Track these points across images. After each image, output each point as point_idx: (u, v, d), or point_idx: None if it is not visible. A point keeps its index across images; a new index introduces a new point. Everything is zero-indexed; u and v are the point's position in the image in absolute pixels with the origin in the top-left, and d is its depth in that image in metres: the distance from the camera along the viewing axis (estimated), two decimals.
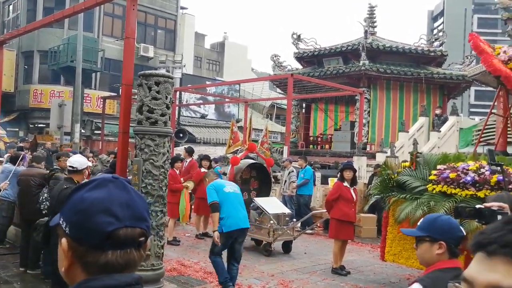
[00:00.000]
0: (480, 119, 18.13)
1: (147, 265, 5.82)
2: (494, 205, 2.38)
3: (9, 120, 24.30)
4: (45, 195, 6.77)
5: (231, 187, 6.43)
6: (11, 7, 27.67)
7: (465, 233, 2.31)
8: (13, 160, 8.08)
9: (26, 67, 25.86)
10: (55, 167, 7.06)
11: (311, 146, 20.98)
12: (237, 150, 9.57)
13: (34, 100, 24.29)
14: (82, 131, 21.67)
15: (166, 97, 6.02)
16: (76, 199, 1.05)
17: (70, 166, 4.93)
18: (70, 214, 1.04)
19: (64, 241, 1.04)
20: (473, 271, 0.82)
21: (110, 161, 8.73)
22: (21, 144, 11.80)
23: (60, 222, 1.06)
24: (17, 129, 24.64)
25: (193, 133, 28.18)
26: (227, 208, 6.11)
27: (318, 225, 11.30)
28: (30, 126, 25.56)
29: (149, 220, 1.10)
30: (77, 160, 5.01)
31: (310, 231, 11.28)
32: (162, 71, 6.18)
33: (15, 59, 25.65)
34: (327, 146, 20.00)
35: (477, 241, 0.83)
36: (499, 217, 2.26)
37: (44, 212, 6.70)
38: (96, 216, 1.00)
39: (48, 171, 7.15)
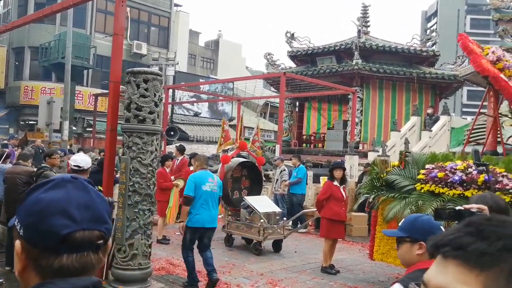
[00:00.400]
0: (472, 119, 18.16)
1: (134, 264, 5.78)
2: (474, 206, 2.37)
3: None
4: None
5: (210, 185, 6.48)
6: (1, 2, 27.52)
7: None
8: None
9: (17, 63, 25.67)
10: (43, 165, 6.97)
11: (304, 144, 21.00)
12: (228, 149, 9.52)
13: (24, 97, 24.09)
14: (74, 128, 21.56)
15: (155, 95, 5.98)
16: (32, 200, 1.01)
17: (76, 166, 4.81)
18: (25, 215, 1.00)
19: (17, 243, 1.00)
20: (430, 273, 0.80)
21: (98, 158, 8.67)
22: (5, 141, 11.69)
23: (15, 223, 1.02)
24: (7, 126, 24.46)
25: (186, 131, 28.11)
26: (198, 205, 6.34)
27: (310, 223, 11.30)
28: (21, 123, 25.36)
29: (109, 222, 1.05)
30: (84, 159, 4.95)
31: (303, 230, 11.28)
32: (151, 69, 6.11)
33: (6, 55, 25.43)
34: (320, 145, 20.01)
35: (434, 243, 0.82)
36: None
37: None
38: (51, 218, 0.96)
39: (35, 169, 7.08)
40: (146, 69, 6.06)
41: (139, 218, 5.83)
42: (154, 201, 6.12)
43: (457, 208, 2.30)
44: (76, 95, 22.40)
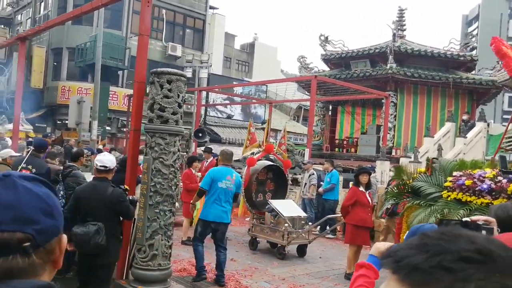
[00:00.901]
0: None
1: (154, 265, 5.80)
2: (481, 218, 2.23)
3: (38, 116, 24.79)
4: (61, 192, 6.82)
5: (227, 183, 6.50)
6: (42, 4, 28.28)
7: None
8: None
9: (55, 63, 26.34)
10: (70, 164, 7.07)
11: (336, 149, 20.75)
12: (254, 152, 9.46)
13: (61, 97, 24.68)
14: (108, 128, 21.97)
15: (178, 96, 5.99)
16: None
17: (102, 166, 4.76)
18: None
19: None
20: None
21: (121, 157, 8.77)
22: (30, 139, 11.95)
23: None
24: (45, 125, 25.11)
25: (218, 133, 28.26)
26: (211, 200, 6.48)
27: (338, 229, 11.12)
28: (57, 122, 26.01)
29: (43, 223, 0.96)
30: (110, 159, 4.92)
31: (331, 235, 11.11)
32: (175, 70, 6.12)
33: (45, 56, 26.15)
34: (352, 150, 19.74)
35: (386, 253, 0.74)
36: (483, 232, 2.12)
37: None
38: None
39: (61, 168, 7.18)
40: (170, 69, 6.07)
41: (160, 219, 5.85)
42: (175, 202, 6.14)
43: (464, 219, 2.18)
44: (111, 95, 22.85)
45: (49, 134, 14.24)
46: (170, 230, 5.97)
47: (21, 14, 31.73)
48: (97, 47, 15.38)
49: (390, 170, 13.20)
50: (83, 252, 4.66)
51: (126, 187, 5.28)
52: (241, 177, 8.00)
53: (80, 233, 4.47)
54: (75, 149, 7.54)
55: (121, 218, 4.97)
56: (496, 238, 1.91)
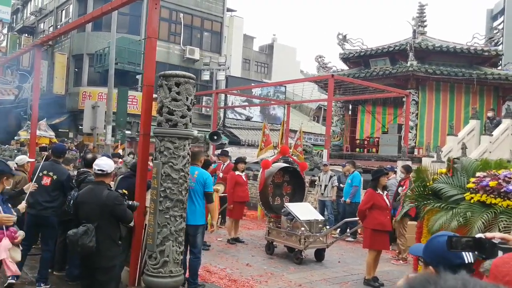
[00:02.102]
0: None
1: (165, 271, 5.64)
2: (497, 236, 1.94)
3: (60, 121, 25.05)
4: None
5: (189, 182, 6.12)
6: (63, 12, 28.62)
7: (469, 260, 1.89)
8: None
9: (76, 70, 26.63)
10: (84, 169, 7.00)
11: (357, 149, 20.41)
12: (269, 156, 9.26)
13: (83, 102, 24.83)
14: (128, 132, 22.02)
15: (187, 98, 5.84)
16: None
17: (100, 170, 4.73)
18: None
19: None
20: None
21: (132, 162, 8.66)
22: (44, 144, 11.96)
23: None
24: (67, 131, 25.37)
25: (238, 135, 28.17)
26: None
27: (359, 232, 10.81)
28: (80, 127, 26.23)
29: None
30: (107, 163, 4.86)
31: (351, 239, 10.83)
32: (183, 72, 5.96)
33: (66, 62, 26.43)
34: (374, 150, 19.37)
35: None
36: (500, 253, 1.84)
37: None
38: None
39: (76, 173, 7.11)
40: (178, 72, 5.92)
41: (170, 225, 5.69)
42: (186, 207, 5.96)
43: (477, 236, 1.91)
44: (130, 100, 22.90)
45: (65, 140, 14.26)
46: (181, 236, 5.81)
47: (44, 22, 32.21)
48: (110, 52, 15.37)
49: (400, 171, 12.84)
50: (76, 253, 4.81)
51: (124, 191, 5.20)
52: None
53: (70, 234, 4.49)
54: (90, 155, 7.42)
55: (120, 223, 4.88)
56: None
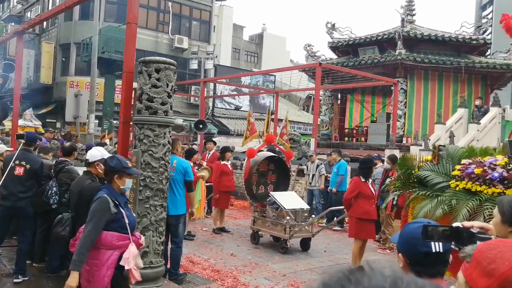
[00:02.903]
0: None
1: (145, 262, 5.50)
2: (475, 225, 1.82)
3: (47, 111, 24.73)
4: (54, 188, 6.57)
5: (170, 170, 6.01)
6: (50, 1, 28.17)
7: (437, 249, 1.77)
8: None
9: (63, 59, 26.29)
10: (62, 159, 6.83)
11: (346, 138, 20.35)
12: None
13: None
14: (115, 122, 21.76)
15: (167, 85, 5.69)
16: None
17: (86, 159, 4.75)
18: None
19: None
20: None
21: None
22: (21, 133, 11.68)
23: None
24: (55, 121, 25.07)
25: (227, 125, 28.00)
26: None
27: (346, 220, 10.75)
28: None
29: None
30: (91, 153, 4.79)
31: (338, 228, 10.78)
32: (163, 58, 5.81)
33: (53, 51, 26.07)
34: (362, 139, 19.33)
35: None
36: (479, 243, 1.73)
37: (54, 206, 6.52)
38: None
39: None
40: (158, 58, 5.77)
41: (150, 214, 5.58)
42: (167, 196, 5.84)
43: (454, 225, 1.79)
44: (118, 89, 22.61)
45: (49, 129, 14.05)
46: (161, 226, 5.69)
47: (31, 11, 31.72)
48: (93, 40, 15.12)
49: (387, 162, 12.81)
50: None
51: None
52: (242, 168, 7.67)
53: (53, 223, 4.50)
54: (67, 144, 7.25)
55: None
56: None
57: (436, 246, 1.76)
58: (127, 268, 3.73)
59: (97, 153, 4.82)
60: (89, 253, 3.60)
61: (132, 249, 3.75)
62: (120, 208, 3.77)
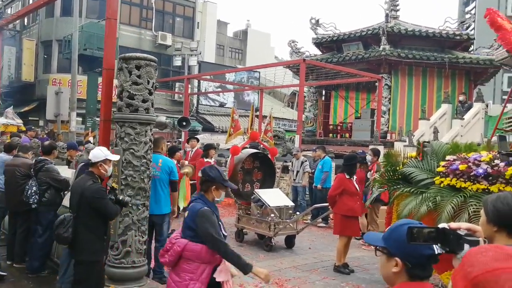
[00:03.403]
0: None
1: (128, 262, 5.40)
2: (462, 227, 1.75)
3: (30, 109, 24.35)
4: (34, 188, 6.44)
5: (152, 171, 5.92)
6: None
7: (438, 251, 1.72)
8: (7, 149, 7.75)
9: (45, 56, 25.87)
10: (42, 158, 6.68)
11: (330, 134, 20.38)
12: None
13: None
14: (97, 119, 21.51)
15: (148, 82, 5.56)
16: None
17: (88, 158, 4.76)
18: None
19: None
20: None
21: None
22: None
23: None
24: (38, 119, 24.69)
25: (211, 122, 27.87)
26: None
27: (331, 217, 10.73)
28: None
29: None
30: (94, 153, 4.73)
31: (323, 224, 10.76)
32: (144, 54, 5.68)
33: (35, 48, 25.65)
34: (347, 135, 19.37)
35: None
36: (466, 246, 1.66)
37: (34, 206, 6.38)
38: None
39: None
40: (139, 54, 5.64)
41: (132, 213, 5.45)
42: (149, 195, 5.73)
43: (441, 226, 1.73)
44: (100, 86, 22.35)
45: (32, 128, 13.81)
46: (144, 225, 5.57)
47: (11, 7, 31.15)
48: (73, 37, 14.87)
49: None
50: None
51: (114, 185, 5.00)
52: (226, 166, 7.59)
53: (55, 223, 4.51)
54: (47, 142, 7.10)
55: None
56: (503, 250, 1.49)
57: (437, 248, 1.71)
58: (220, 281, 3.52)
59: (100, 154, 4.74)
60: (182, 265, 3.48)
61: (227, 263, 3.57)
62: (218, 221, 3.62)
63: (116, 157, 4.95)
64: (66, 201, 5.67)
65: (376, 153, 9.71)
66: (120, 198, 4.78)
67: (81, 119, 20.75)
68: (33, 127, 14.77)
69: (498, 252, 1.48)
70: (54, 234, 4.50)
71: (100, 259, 4.69)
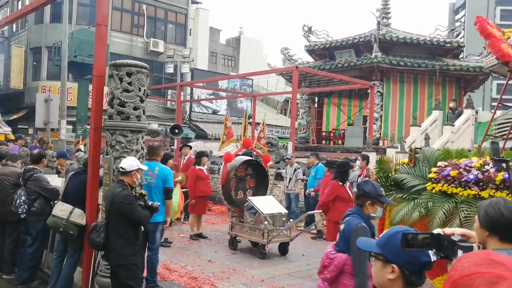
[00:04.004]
0: (502, 112, 17.27)
1: None
2: (456, 232, 1.74)
3: (19, 117, 24.16)
4: (23, 197, 6.37)
5: (147, 178, 6.09)
6: (19, 3, 27.60)
7: (434, 258, 1.72)
8: None
9: (34, 63, 25.71)
10: (30, 167, 6.60)
11: (323, 141, 20.42)
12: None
13: None
14: (87, 127, 21.40)
15: (139, 89, 5.54)
16: None
17: (120, 167, 4.83)
18: None
19: None
20: None
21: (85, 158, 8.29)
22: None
23: None
24: (27, 127, 24.50)
25: (204, 129, 27.83)
26: None
27: (324, 223, 10.70)
28: None
29: None
30: (127, 163, 4.82)
31: (315, 231, 10.72)
32: (135, 61, 5.67)
33: (24, 55, 25.50)
34: (340, 142, 19.41)
35: None
36: (460, 252, 1.65)
37: (23, 216, 6.30)
38: None
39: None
40: (129, 61, 5.62)
41: None
42: None
43: (435, 232, 1.73)
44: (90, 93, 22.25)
45: (22, 136, 13.70)
46: None
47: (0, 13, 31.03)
48: (62, 43, 14.82)
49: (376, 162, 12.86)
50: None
51: (142, 192, 5.06)
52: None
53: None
54: (36, 151, 7.02)
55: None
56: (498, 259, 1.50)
57: (433, 255, 1.72)
58: None
59: (134, 163, 4.86)
60: (343, 280, 3.43)
61: None
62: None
63: (145, 167, 5.17)
64: (55, 211, 5.59)
65: (365, 158, 9.76)
66: (150, 204, 4.93)
67: (71, 127, 20.61)
68: (22, 136, 14.64)
69: (482, 258, 1.50)
70: (87, 239, 4.75)
71: (134, 262, 4.73)
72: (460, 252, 1.65)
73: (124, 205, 4.57)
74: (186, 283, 6.39)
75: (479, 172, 5.05)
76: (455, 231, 1.75)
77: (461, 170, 5.20)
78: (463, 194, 5.09)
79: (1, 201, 6.48)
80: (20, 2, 27.69)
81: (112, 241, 4.57)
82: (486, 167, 5.06)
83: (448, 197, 5.19)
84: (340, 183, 6.99)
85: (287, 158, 11.80)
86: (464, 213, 4.86)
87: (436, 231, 1.73)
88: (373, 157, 13.22)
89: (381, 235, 1.98)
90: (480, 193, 4.97)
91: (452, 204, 5.02)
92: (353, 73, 17.31)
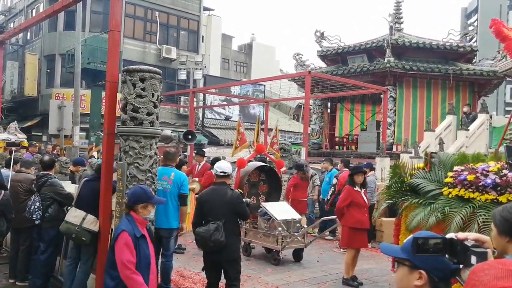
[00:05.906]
0: None
1: None
2: (470, 237, 1.69)
3: (33, 124, 24.37)
4: (37, 203, 6.36)
5: (163, 184, 6.12)
6: (33, 11, 27.93)
7: (461, 265, 1.68)
8: (8, 164, 7.71)
9: (48, 71, 25.96)
10: (44, 173, 6.59)
11: (336, 147, 20.34)
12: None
13: None
14: (101, 133, 21.54)
15: (153, 95, 5.53)
16: None
17: (222, 172, 5.32)
18: None
19: None
20: None
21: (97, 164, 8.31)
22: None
23: None
24: (41, 134, 24.70)
25: (217, 135, 27.86)
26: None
27: (338, 229, 10.62)
28: None
29: None
30: (227, 166, 5.41)
31: (330, 237, 10.65)
32: (148, 67, 5.67)
33: (38, 63, 25.77)
34: (353, 147, 19.32)
35: None
36: (474, 258, 1.60)
37: (37, 222, 6.29)
38: None
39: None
40: (143, 66, 5.62)
41: None
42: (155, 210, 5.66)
43: (448, 236, 1.68)
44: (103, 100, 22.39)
45: (33, 143, 13.80)
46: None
47: (14, 22, 31.41)
48: (76, 50, 14.97)
49: (390, 167, 12.75)
50: (206, 250, 5.19)
51: (240, 190, 5.86)
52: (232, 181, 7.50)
53: (202, 232, 4.99)
54: (47, 157, 7.02)
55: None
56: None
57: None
58: None
59: (230, 166, 5.52)
60: None
61: None
62: None
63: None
64: (68, 217, 5.58)
65: (345, 163, 9.97)
66: (248, 202, 5.71)
67: (84, 133, 20.74)
68: (33, 142, 14.76)
69: (500, 269, 1.44)
70: (209, 240, 4.92)
71: (239, 255, 5.37)
72: (473, 258, 1.59)
73: (240, 205, 5.19)
74: None
75: (497, 176, 4.96)
76: (468, 235, 1.70)
77: (478, 174, 5.11)
78: (480, 198, 5.00)
79: (15, 207, 6.48)
80: (34, 10, 28.01)
81: (227, 238, 4.96)
82: (504, 171, 4.97)
83: (465, 202, 5.10)
84: (355, 189, 6.93)
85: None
86: (482, 218, 4.77)
87: (449, 235, 1.69)
88: (386, 162, 13.12)
89: (405, 240, 1.93)
90: (498, 197, 4.88)
91: (470, 209, 4.93)
92: (365, 78, 17.22)
